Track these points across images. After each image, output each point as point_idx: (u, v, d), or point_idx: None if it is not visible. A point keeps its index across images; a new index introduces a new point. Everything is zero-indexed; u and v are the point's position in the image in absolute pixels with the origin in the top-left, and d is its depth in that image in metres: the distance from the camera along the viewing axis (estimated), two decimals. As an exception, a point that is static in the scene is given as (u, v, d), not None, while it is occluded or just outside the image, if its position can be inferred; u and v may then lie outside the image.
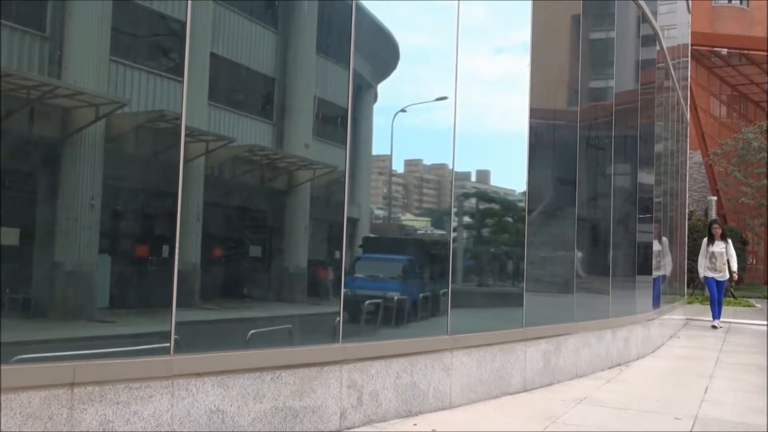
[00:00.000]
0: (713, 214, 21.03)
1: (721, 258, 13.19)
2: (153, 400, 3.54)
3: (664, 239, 12.03)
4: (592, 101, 8.41)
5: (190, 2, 3.84)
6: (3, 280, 3.17)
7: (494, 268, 6.69)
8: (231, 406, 3.88)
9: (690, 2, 15.65)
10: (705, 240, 13.50)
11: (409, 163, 5.66)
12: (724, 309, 13.83)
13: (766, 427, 5.23)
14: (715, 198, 23.94)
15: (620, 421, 5.30)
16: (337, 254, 4.72)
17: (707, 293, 14.67)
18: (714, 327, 12.91)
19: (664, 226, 11.87)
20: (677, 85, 13.46)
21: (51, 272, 3.53)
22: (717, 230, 13.42)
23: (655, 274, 10.96)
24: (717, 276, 13.28)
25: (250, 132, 4.58)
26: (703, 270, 13.37)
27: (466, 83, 5.64)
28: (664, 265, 11.88)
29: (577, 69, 7.60)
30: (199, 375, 3.74)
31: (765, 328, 13.58)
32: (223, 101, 4.34)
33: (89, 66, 3.67)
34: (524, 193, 6.44)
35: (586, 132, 7.71)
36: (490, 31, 6.34)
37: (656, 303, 10.65)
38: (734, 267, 13.34)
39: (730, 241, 13.50)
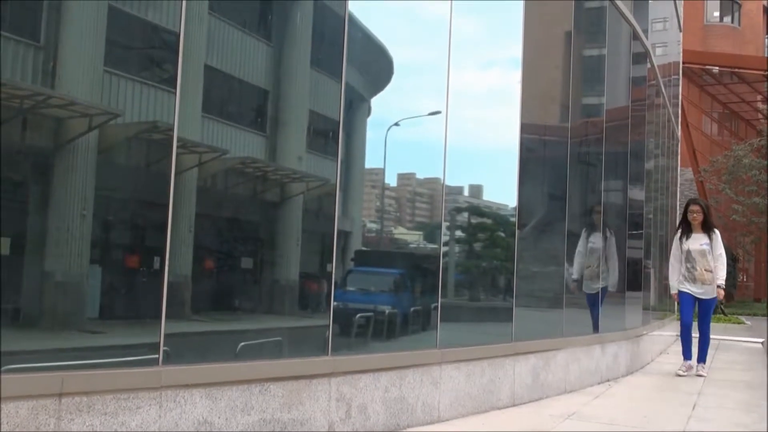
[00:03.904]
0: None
1: (702, 260, 8.14)
2: (141, 411, 3.53)
3: (608, 233, 8.20)
4: (583, 117, 8.47)
5: (184, 14, 3.87)
6: (-8, 289, 3.17)
7: (484, 282, 6.71)
8: (219, 417, 3.88)
9: (682, 20, 15.80)
10: (678, 233, 8.56)
11: (401, 177, 5.68)
12: (711, 326, 8.72)
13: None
14: (706, 215, 23.96)
15: (608, 436, 5.32)
16: (328, 267, 4.73)
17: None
18: (679, 375, 8.39)
19: (655, 243, 11.87)
20: (668, 103, 13.56)
21: (41, 282, 3.52)
22: (696, 215, 8.30)
23: (589, 287, 7.88)
24: (696, 290, 8.27)
25: (243, 144, 4.59)
26: (675, 280, 8.41)
27: (457, 98, 5.68)
28: (605, 272, 8.11)
29: (568, 85, 7.66)
30: (187, 386, 3.74)
31: (754, 345, 13.64)
32: (217, 113, 4.35)
33: (83, 76, 3.68)
34: (515, 208, 6.47)
35: (576, 148, 7.76)
36: (481, 47, 6.39)
37: (595, 327, 7.90)
38: (722, 275, 8.20)
39: (717, 233, 8.37)
